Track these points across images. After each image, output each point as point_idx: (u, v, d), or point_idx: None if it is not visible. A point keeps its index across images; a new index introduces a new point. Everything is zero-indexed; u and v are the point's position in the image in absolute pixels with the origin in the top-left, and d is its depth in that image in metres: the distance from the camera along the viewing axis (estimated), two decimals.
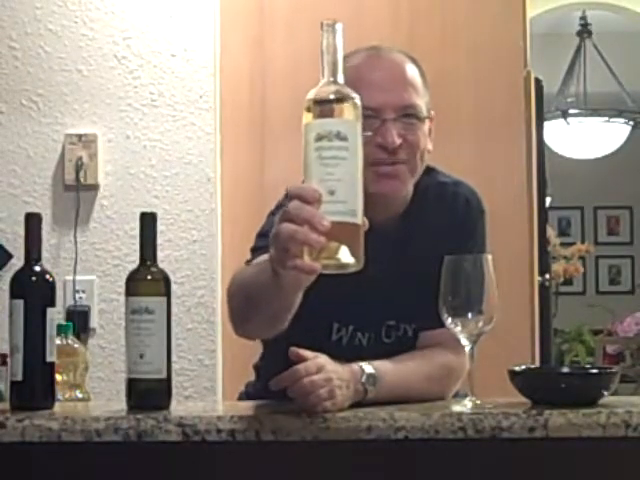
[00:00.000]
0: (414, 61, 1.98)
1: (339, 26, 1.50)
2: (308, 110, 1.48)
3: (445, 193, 2.03)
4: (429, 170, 2.04)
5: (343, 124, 1.46)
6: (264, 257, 1.65)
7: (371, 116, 1.85)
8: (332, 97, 1.48)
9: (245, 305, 1.73)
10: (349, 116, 1.48)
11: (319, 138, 1.44)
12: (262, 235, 1.93)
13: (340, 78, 1.49)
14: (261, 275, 1.61)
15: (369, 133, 1.83)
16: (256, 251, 1.92)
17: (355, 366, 1.74)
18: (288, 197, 1.46)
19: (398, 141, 1.89)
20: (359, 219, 1.46)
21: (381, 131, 1.89)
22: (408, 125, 1.92)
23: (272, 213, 1.99)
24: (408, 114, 1.91)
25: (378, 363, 1.78)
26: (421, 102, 1.94)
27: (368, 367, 1.75)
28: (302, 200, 1.43)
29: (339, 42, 1.50)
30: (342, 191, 1.44)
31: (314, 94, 1.48)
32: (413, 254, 1.97)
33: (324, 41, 1.50)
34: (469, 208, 2.02)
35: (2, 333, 1.84)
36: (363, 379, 1.73)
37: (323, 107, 1.47)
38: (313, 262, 1.43)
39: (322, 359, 1.68)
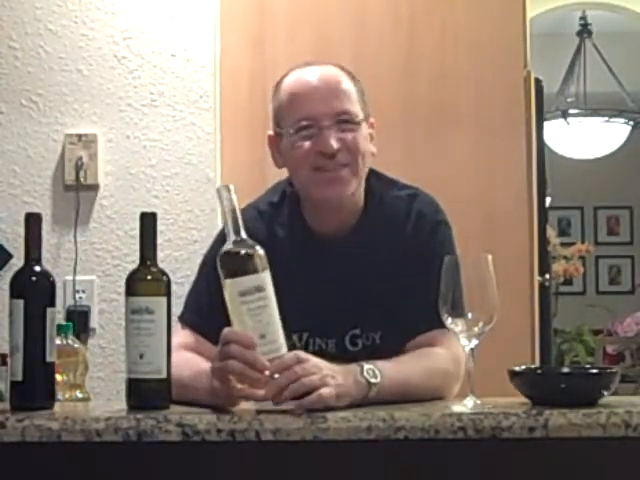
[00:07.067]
0: (347, 72, 2.07)
1: (232, 186, 1.72)
2: (222, 267, 1.69)
3: (399, 207, 2.07)
4: (387, 182, 2.11)
5: (259, 279, 1.68)
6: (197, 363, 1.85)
7: (309, 126, 1.99)
8: (243, 252, 1.69)
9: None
10: (261, 269, 1.68)
11: (242, 294, 1.66)
12: (195, 294, 2.09)
13: (243, 234, 1.71)
14: (195, 392, 1.76)
15: (307, 143, 1.98)
16: (188, 309, 2.08)
17: (352, 364, 1.75)
18: (224, 342, 1.65)
19: (336, 146, 1.98)
20: (285, 349, 1.69)
21: (320, 139, 1.98)
22: (345, 130, 2.00)
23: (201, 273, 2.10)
24: (343, 120, 2.00)
25: (375, 361, 1.78)
26: (355, 108, 2.01)
27: (366, 364, 1.75)
28: (241, 346, 1.64)
29: (235, 200, 1.72)
30: (270, 333, 1.67)
31: (225, 251, 1.70)
32: (368, 265, 2.02)
33: (224, 202, 1.71)
34: (423, 221, 2.05)
35: (2, 333, 1.84)
36: (364, 372, 1.73)
37: (238, 265, 1.68)
38: (257, 390, 1.64)
39: (303, 354, 1.69)
